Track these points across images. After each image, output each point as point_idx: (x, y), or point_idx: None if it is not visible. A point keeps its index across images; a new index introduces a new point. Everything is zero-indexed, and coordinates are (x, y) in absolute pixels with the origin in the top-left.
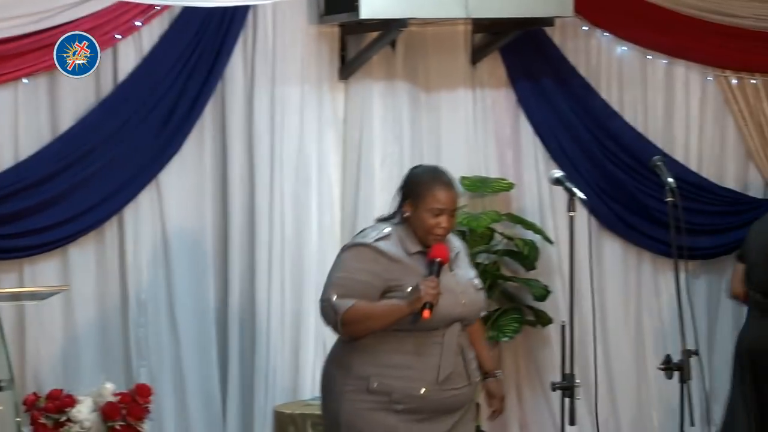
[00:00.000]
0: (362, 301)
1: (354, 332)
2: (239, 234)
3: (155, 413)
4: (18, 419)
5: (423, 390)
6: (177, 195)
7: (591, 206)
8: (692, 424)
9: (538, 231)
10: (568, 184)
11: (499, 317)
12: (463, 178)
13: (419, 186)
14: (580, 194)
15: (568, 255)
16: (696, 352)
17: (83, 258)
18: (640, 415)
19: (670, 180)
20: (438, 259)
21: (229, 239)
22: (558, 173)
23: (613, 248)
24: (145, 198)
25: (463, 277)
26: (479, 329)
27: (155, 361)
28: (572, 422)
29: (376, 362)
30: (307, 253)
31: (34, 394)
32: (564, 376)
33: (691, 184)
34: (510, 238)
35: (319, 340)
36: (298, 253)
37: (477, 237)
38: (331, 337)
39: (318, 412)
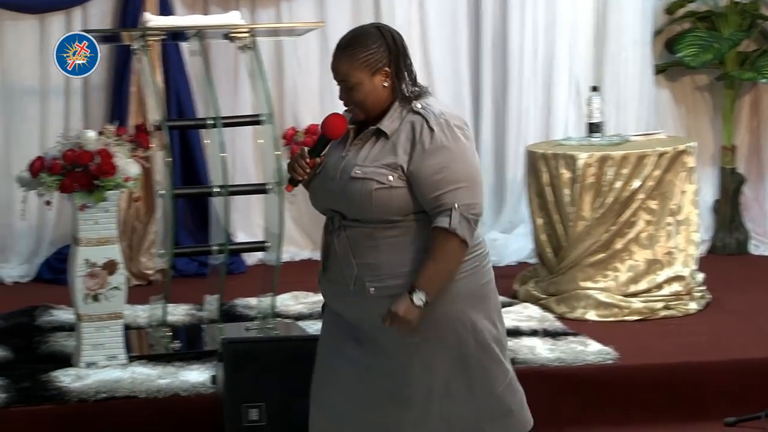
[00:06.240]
0: None
1: None
2: None
3: None
4: (278, 152)
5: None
6: None
7: None
8: None
9: None
10: None
11: (758, 58)
12: None
13: None
14: None
15: None
16: None
17: None
18: None
19: None
20: (322, 132)
21: None
22: None
23: None
24: None
25: (349, 162)
26: (433, 239)
27: None
28: None
29: None
30: None
31: (293, 128)
32: None
33: None
34: None
35: (572, 81)
36: None
37: None
38: (584, 81)
39: (570, 152)
